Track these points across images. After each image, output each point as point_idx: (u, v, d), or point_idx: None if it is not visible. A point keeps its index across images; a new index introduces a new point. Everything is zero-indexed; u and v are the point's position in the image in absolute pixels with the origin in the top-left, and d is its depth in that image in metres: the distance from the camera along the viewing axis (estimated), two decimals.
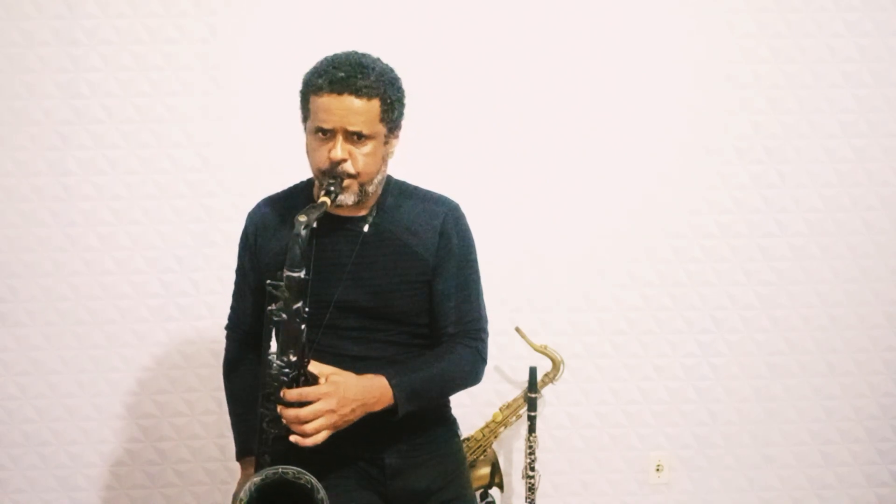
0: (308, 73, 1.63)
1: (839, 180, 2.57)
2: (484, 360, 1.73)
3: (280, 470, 1.51)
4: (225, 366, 1.87)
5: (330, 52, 1.65)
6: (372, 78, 1.57)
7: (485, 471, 2.43)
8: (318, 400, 1.50)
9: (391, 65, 1.66)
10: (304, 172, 1.78)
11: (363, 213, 1.69)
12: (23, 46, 2.40)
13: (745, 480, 2.65)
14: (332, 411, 1.51)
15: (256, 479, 1.52)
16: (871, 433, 2.65)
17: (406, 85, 1.68)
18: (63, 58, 2.41)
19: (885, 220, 2.59)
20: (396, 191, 1.73)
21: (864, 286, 2.60)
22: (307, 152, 1.64)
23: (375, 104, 1.58)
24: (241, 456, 1.80)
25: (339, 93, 1.55)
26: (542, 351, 2.45)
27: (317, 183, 1.65)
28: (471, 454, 2.41)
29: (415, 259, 1.68)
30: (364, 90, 1.55)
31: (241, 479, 1.80)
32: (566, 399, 2.59)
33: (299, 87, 1.65)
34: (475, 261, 1.76)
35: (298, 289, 1.51)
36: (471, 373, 1.71)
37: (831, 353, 2.62)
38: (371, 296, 1.66)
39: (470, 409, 2.51)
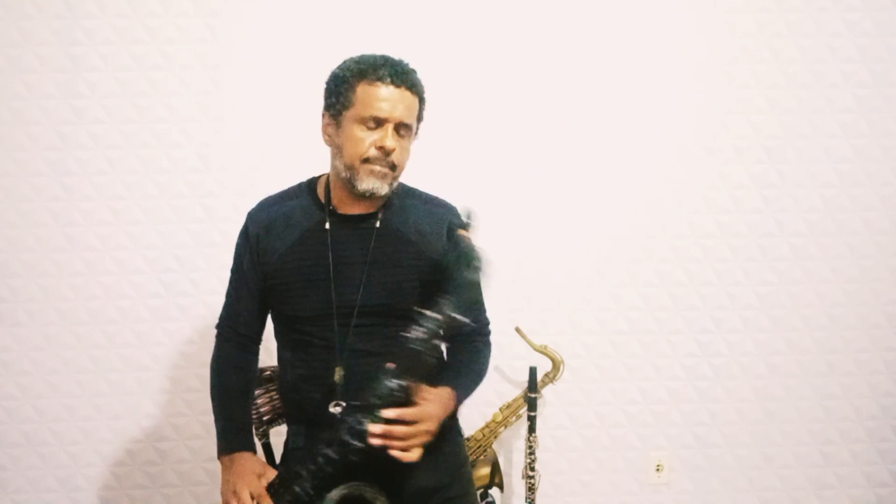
0: (356, 63, 1.63)
1: (839, 180, 2.57)
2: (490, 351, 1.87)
3: (362, 487, 1.55)
4: (214, 364, 1.82)
5: (330, 52, 1.65)
6: (418, 77, 1.67)
7: (485, 471, 2.43)
8: (425, 421, 1.55)
9: None
10: (303, 172, 1.79)
11: (372, 209, 1.70)
12: (23, 46, 2.40)
13: (745, 480, 2.65)
14: (429, 431, 1.57)
15: (338, 491, 1.53)
16: (871, 433, 2.65)
17: None
18: (63, 58, 2.41)
19: (885, 220, 2.59)
20: (400, 191, 1.75)
21: (864, 286, 2.60)
22: (343, 140, 1.63)
23: (417, 101, 1.66)
24: (229, 451, 1.74)
25: (398, 85, 1.61)
26: (542, 351, 2.44)
27: (346, 174, 1.63)
28: (471, 454, 2.40)
29: (423, 258, 1.70)
30: (416, 87, 1.65)
31: (231, 476, 1.70)
32: (566, 399, 2.59)
33: (335, 74, 1.64)
34: None
35: (451, 331, 1.55)
36: (488, 365, 1.83)
37: (831, 353, 2.62)
38: (385, 293, 1.67)
39: (470, 409, 2.50)
